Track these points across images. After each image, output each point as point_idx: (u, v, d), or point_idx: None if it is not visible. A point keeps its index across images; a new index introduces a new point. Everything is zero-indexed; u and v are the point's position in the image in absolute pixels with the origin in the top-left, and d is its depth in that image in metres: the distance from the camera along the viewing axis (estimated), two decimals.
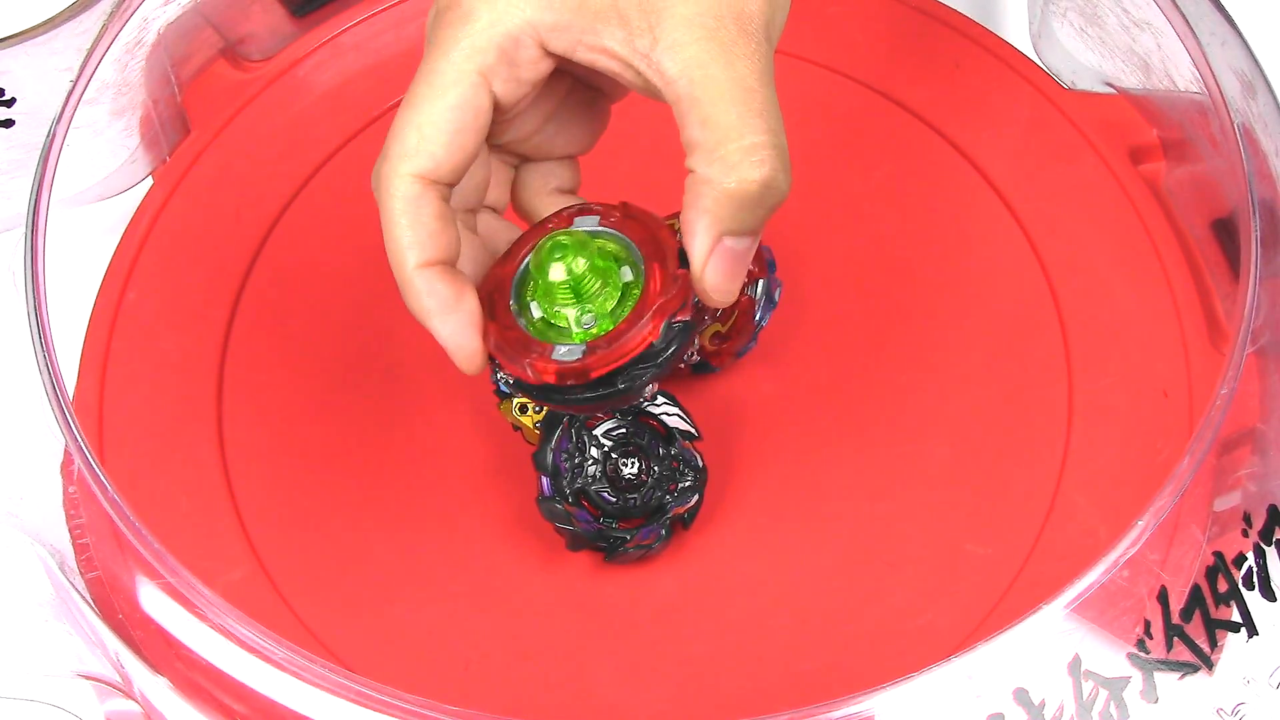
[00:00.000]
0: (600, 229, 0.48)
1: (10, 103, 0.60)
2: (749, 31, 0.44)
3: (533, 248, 0.48)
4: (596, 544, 0.57)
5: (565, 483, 0.57)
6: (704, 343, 0.59)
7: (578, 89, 0.50)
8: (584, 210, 0.49)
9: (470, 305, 0.47)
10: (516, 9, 0.45)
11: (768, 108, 0.44)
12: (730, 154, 0.44)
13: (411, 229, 0.46)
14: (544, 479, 0.57)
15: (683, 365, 0.60)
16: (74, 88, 0.58)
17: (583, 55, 0.46)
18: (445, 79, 0.46)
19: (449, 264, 0.47)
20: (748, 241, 0.46)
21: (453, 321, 0.47)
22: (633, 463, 0.57)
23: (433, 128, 0.46)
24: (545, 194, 0.51)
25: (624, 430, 0.57)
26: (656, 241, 0.47)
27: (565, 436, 0.57)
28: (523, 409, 0.59)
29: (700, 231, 0.45)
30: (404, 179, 0.46)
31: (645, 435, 0.58)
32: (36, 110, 0.60)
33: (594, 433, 0.57)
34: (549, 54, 0.46)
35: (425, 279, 0.46)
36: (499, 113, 0.47)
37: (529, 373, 0.46)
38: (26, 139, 0.60)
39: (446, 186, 0.47)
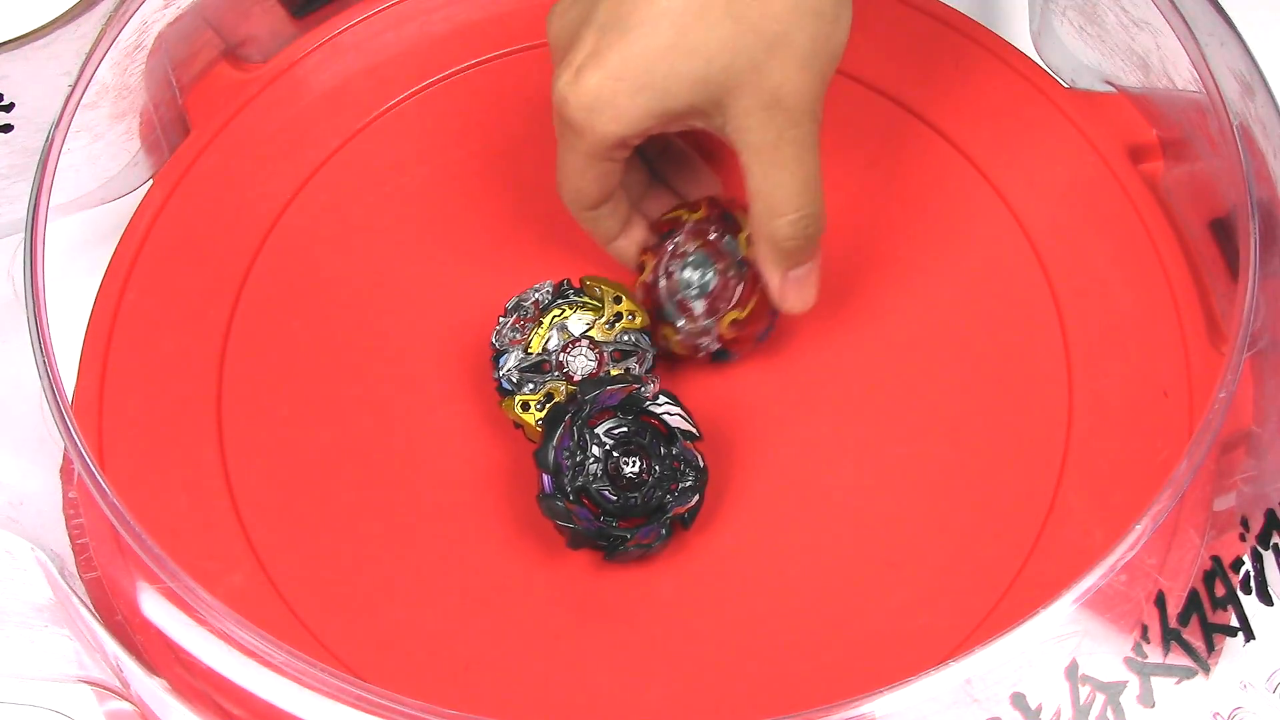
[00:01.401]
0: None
1: (9, 108, 0.60)
2: (795, 115, 0.55)
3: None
4: (596, 542, 0.57)
5: (566, 480, 0.57)
6: (723, 331, 0.60)
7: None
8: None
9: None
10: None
11: (810, 179, 0.57)
12: (780, 227, 0.57)
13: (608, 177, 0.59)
14: (545, 476, 0.57)
15: (701, 355, 0.61)
16: (73, 92, 0.58)
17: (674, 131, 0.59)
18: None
19: None
20: (807, 267, 0.59)
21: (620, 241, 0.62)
22: (634, 461, 0.57)
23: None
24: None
25: (625, 429, 0.58)
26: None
27: (567, 434, 0.57)
28: (525, 406, 0.59)
29: (770, 273, 0.59)
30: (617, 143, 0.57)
31: (647, 434, 0.58)
32: (36, 115, 0.60)
33: (595, 431, 0.57)
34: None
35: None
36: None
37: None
38: (26, 144, 0.60)
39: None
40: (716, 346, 0.60)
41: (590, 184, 0.59)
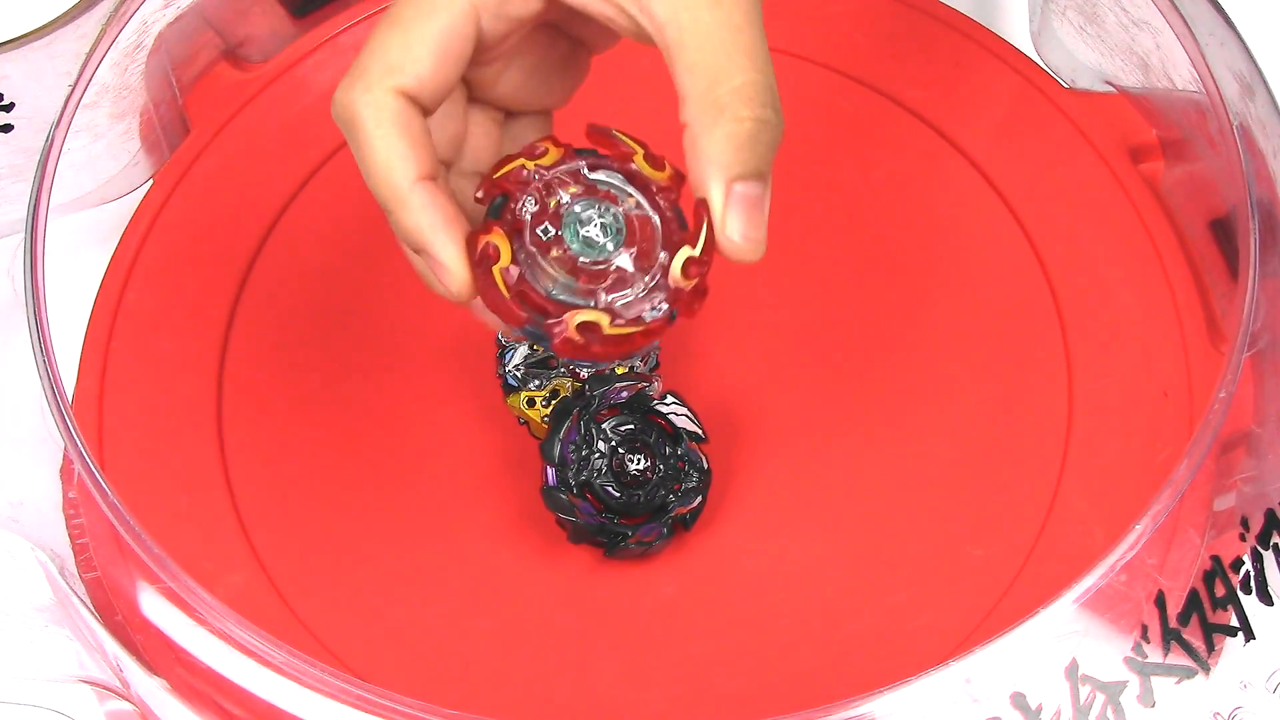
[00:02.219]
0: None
1: (9, 107, 0.60)
2: None
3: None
4: (597, 538, 0.57)
5: (571, 474, 0.57)
6: (677, 280, 0.44)
7: (560, 40, 0.49)
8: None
9: (465, 225, 0.45)
10: None
11: (755, 47, 0.43)
12: (721, 97, 0.43)
13: (404, 140, 0.44)
14: (549, 469, 0.57)
15: (635, 353, 0.46)
16: (73, 92, 0.58)
17: None
18: (435, 3, 0.44)
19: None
20: (759, 186, 0.43)
21: (456, 240, 0.44)
22: (639, 459, 0.57)
23: (421, 47, 0.44)
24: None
25: (632, 426, 0.58)
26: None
27: (574, 429, 0.57)
28: (530, 402, 0.59)
29: (711, 183, 0.43)
30: (389, 93, 0.44)
31: (653, 433, 0.58)
32: (36, 114, 0.60)
33: (602, 427, 0.57)
34: None
35: (426, 193, 0.44)
36: (480, 51, 0.46)
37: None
38: (26, 143, 0.60)
39: (426, 111, 0.45)
40: (668, 309, 0.44)
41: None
